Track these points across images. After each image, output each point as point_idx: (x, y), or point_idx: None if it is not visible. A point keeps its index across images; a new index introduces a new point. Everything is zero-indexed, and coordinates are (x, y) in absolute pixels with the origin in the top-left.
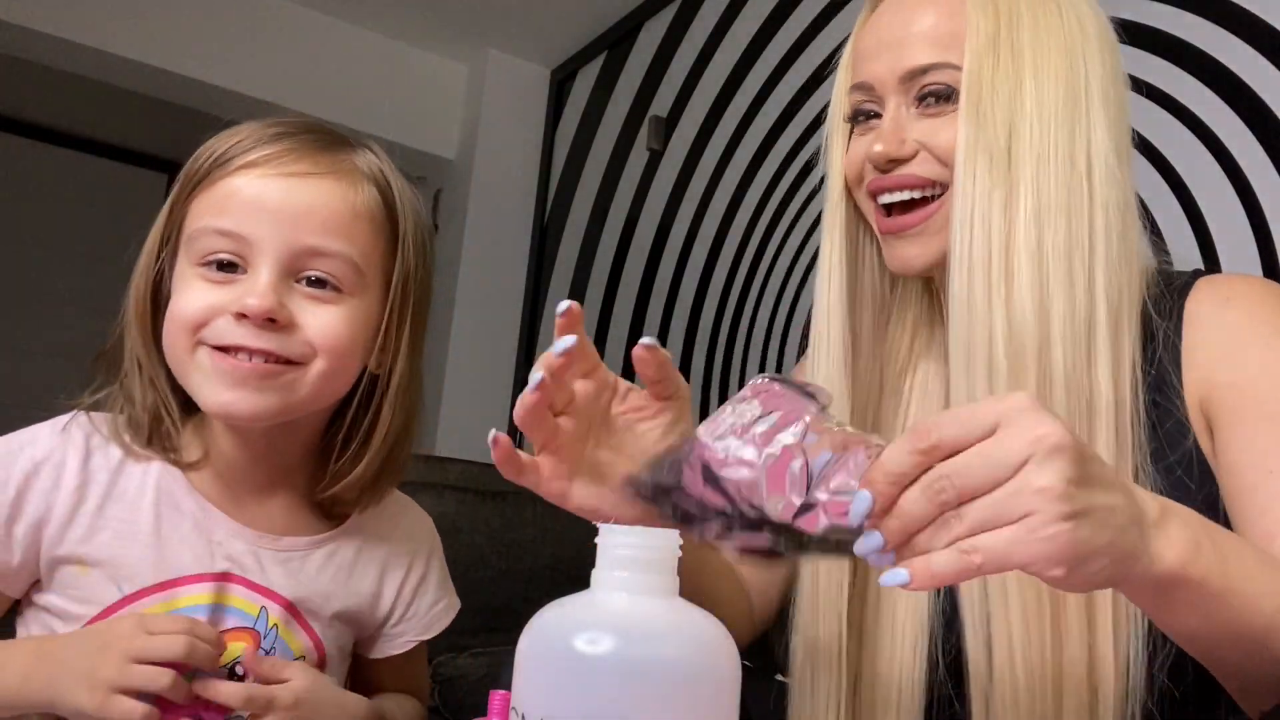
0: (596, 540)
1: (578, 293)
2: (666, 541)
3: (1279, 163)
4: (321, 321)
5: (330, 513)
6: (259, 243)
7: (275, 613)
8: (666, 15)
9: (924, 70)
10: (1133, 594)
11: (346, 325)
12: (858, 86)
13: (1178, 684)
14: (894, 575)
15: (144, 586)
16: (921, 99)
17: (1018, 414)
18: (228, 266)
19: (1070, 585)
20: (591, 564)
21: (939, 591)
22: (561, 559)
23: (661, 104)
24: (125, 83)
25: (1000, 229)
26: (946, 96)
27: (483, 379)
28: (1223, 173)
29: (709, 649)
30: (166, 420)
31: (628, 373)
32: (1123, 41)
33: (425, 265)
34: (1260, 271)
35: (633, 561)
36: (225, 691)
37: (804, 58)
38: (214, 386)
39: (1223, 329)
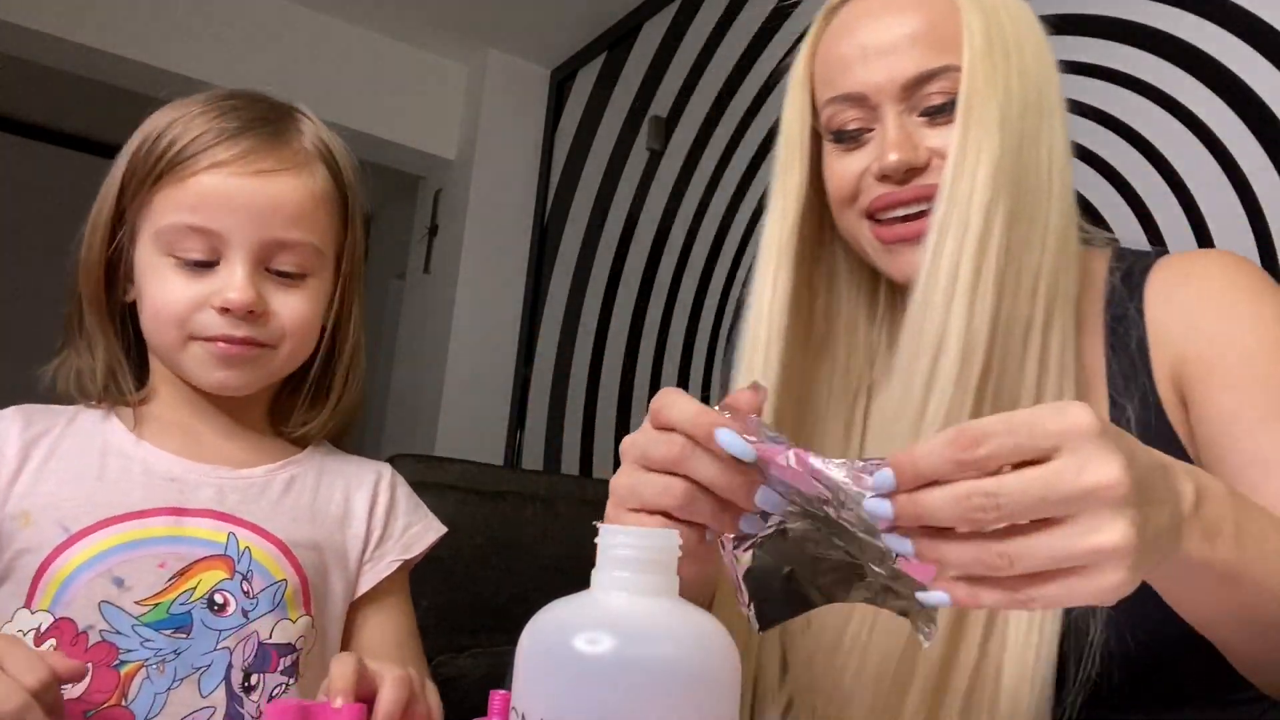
0: (596, 540)
1: (577, 293)
2: (666, 541)
3: (1279, 163)
4: (291, 307)
5: (289, 443)
6: (231, 237)
7: (245, 536)
8: (666, 15)
9: (930, 76)
10: (1151, 580)
11: (311, 306)
12: (843, 99)
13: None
14: (933, 596)
15: (91, 524)
16: (928, 106)
17: (1082, 441)
18: (202, 261)
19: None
20: (591, 564)
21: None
22: (561, 559)
23: (661, 104)
24: (125, 83)
25: (976, 232)
26: (954, 102)
27: (483, 379)
28: (1223, 173)
29: (709, 649)
30: (122, 383)
31: (627, 373)
32: (1122, 42)
33: (366, 234)
34: None
35: (633, 561)
36: (387, 698)
37: None
38: (207, 368)
39: (1183, 305)
